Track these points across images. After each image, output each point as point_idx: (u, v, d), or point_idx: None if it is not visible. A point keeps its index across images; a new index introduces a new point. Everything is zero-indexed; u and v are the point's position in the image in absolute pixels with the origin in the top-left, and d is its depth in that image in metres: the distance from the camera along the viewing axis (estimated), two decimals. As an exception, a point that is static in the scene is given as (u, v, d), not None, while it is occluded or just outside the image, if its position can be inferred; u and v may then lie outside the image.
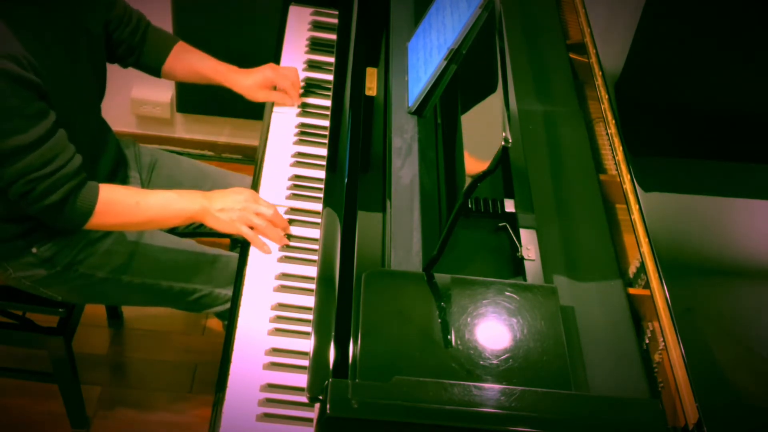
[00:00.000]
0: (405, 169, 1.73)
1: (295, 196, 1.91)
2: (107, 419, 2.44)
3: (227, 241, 2.36)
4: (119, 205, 1.81)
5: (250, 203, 1.83)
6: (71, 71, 1.79)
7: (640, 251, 1.55)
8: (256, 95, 2.08)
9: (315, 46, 2.24)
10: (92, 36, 1.86)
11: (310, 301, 1.65)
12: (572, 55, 2.03)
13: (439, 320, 1.44)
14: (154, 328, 2.67)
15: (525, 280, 1.54)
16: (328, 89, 2.11)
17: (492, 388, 1.34)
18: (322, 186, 1.83)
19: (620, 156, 1.68)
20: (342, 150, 1.83)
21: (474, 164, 1.47)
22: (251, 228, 1.81)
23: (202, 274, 2.02)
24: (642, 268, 1.56)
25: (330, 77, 2.10)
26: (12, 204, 1.84)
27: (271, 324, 1.69)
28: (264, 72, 2.08)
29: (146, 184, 2.15)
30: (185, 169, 2.19)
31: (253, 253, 1.80)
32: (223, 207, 1.83)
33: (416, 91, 1.84)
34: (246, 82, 2.08)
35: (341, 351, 1.42)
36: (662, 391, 1.48)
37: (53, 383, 2.28)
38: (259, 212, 1.81)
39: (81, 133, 1.81)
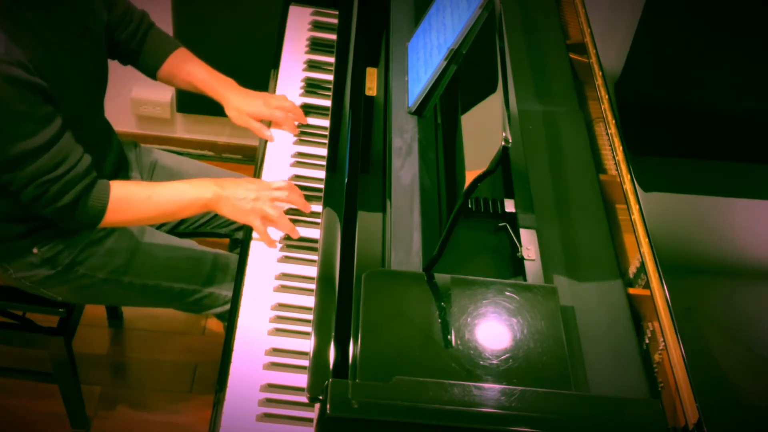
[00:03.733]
0: (405, 169, 1.73)
1: (295, 196, 1.91)
2: (107, 419, 2.44)
3: (227, 241, 2.36)
4: (131, 200, 1.81)
5: (263, 191, 1.82)
6: (75, 71, 1.79)
7: (640, 251, 1.55)
8: (240, 120, 2.04)
9: (315, 46, 2.24)
10: (94, 34, 1.86)
11: (310, 301, 1.65)
12: (572, 55, 2.03)
13: (439, 320, 1.44)
14: (154, 329, 2.67)
15: (525, 280, 1.54)
16: (328, 89, 2.11)
17: (492, 388, 1.34)
18: (322, 186, 1.83)
19: (620, 156, 1.68)
20: (342, 150, 1.83)
21: (474, 164, 1.47)
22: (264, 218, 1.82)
23: (203, 274, 2.02)
24: (642, 268, 1.56)
25: (330, 77, 2.10)
26: (14, 204, 1.84)
27: (271, 324, 1.69)
28: (254, 103, 2.02)
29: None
30: (186, 169, 2.19)
31: (253, 253, 1.80)
32: (237, 195, 1.82)
33: (416, 91, 1.84)
34: (235, 104, 2.03)
35: (341, 351, 1.42)
36: (662, 391, 1.48)
37: (53, 383, 2.28)
38: (274, 197, 1.82)
39: (86, 134, 1.82)
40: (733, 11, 2.09)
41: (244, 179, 1.88)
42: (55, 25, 1.72)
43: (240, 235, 2.04)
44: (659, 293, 1.47)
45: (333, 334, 1.46)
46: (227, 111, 2.06)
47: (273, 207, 1.81)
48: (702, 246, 1.62)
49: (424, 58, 1.86)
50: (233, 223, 2.20)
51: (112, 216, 1.80)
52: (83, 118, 1.82)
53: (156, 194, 1.83)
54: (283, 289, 1.74)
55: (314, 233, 1.83)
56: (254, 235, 1.83)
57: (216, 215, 2.18)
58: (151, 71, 2.08)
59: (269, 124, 2.05)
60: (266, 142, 2.02)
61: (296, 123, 2.04)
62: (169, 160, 2.21)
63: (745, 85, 1.96)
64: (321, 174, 1.91)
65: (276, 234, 1.83)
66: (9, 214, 1.87)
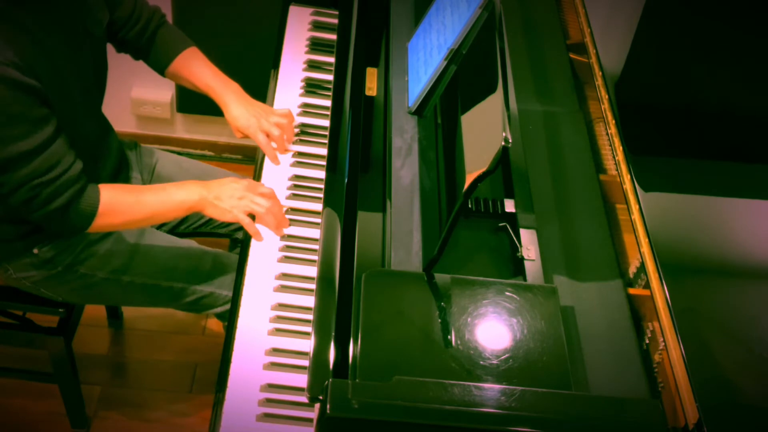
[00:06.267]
0: (405, 169, 1.73)
1: (295, 196, 1.91)
2: (107, 419, 2.44)
3: (227, 241, 2.36)
4: (120, 205, 1.81)
5: (249, 191, 1.83)
6: (73, 74, 1.79)
7: (640, 251, 1.55)
8: (235, 132, 2.03)
9: (315, 46, 2.24)
10: (93, 38, 1.86)
11: (310, 301, 1.65)
12: (572, 55, 2.03)
13: (439, 320, 1.44)
14: (154, 329, 2.67)
15: (525, 280, 1.54)
16: (328, 89, 2.11)
17: (492, 388, 1.34)
18: (322, 186, 1.83)
19: (620, 156, 1.68)
20: (342, 150, 1.83)
21: (474, 164, 1.47)
22: (251, 215, 1.82)
23: (202, 274, 2.02)
24: (642, 268, 1.56)
25: (330, 77, 2.10)
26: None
27: (271, 324, 1.69)
28: (257, 114, 1.99)
29: (147, 184, 2.14)
30: (186, 169, 2.19)
31: (253, 253, 1.80)
32: (222, 196, 1.83)
33: (416, 91, 1.84)
34: (235, 112, 2.01)
35: (341, 351, 1.42)
36: (662, 391, 1.48)
37: (53, 383, 2.28)
38: (257, 202, 1.83)
39: (83, 134, 1.81)
40: (733, 11, 2.09)
41: (229, 179, 1.88)
42: (53, 28, 1.72)
43: (240, 235, 2.04)
44: (659, 293, 1.47)
45: (333, 334, 1.46)
46: (225, 115, 2.05)
47: (258, 205, 1.82)
48: (702, 246, 1.62)
49: (424, 58, 1.86)
50: (233, 223, 2.20)
51: (102, 220, 1.79)
52: (80, 122, 1.82)
53: (143, 198, 1.83)
54: (283, 289, 1.74)
55: (314, 233, 1.83)
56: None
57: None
58: (160, 70, 2.09)
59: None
60: (266, 142, 2.02)
61: (294, 132, 2.03)
62: (170, 160, 2.21)
63: (746, 85, 1.96)
64: (321, 174, 1.91)
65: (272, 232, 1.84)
66: (8, 216, 1.87)
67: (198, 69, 2.06)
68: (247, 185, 1.85)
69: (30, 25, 1.67)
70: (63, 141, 1.72)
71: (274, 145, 1.98)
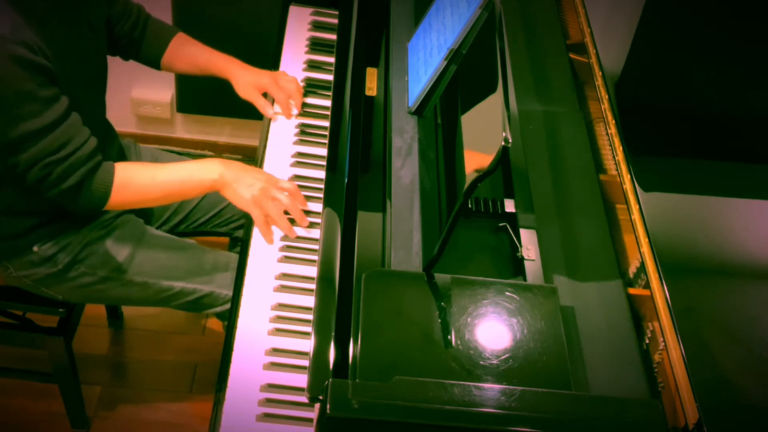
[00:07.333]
0: (405, 169, 1.73)
1: (295, 196, 1.91)
2: (107, 419, 2.44)
3: (227, 240, 2.36)
4: (136, 183, 1.81)
5: (269, 185, 1.83)
6: (77, 63, 1.80)
7: (640, 251, 1.55)
8: (248, 94, 2.07)
9: (315, 46, 2.24)
10: (95, 30, 1.86)
11: (310, 301, 1.65)
12: (572, 55, 2.03)
13: (439, 320, 1.44)
14: (154, 328, 2.67)
15: (525, 280, 1.54)
16: (328, 89, 2.11)
17: (492, 388, 1.34)
18: (322, 186, 1.83)
19: (620, 156, 1.68)
20: (342, 150, 1.83)
21: (474, 164, 1.47)
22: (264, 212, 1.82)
23: (202, 274, 2.02)
24: (642, 268, 1.56)
25: (330, 77, 2.10)
26: (14, 199, 1.84)
27: (271, 324, 1.69)
28: (262, 77, 2.06)
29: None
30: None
31: (253, 253, 1.80)
32: (242, 180, 1.83)
33: (416, 91, 1.84)
34: (243, 78, 2.07)
35: (341, 351, 1.42)
36: (662, 391, 1.48)
37: (53, 383, 2.28)
38: (277, 198, 1.82)
39: (88, 126, 1.82)
40: (733, 11, 2.09)
41: (252, 167, 1.88)
42: (63, 18, 1.73)
43: (240, 234, 2.05)
44: (659, 293, 1.47)
45: (333, 334, 1.46)
46: (235, 86, 2.08)
47: (275, 205, 1.81)
48: (702, 246, 1.62)
49: (424, 58, 1.86)
50: (233, 222, 2.21)
51: (117, 198, 1.80)
52: (84, 110, 1.82)
53: (161, 175, 1.83)
54: (283, 289, 1.74)
55: (314, 233, 1.83)
56: (254, 233, 1.83)
57: (216, 214, 2.19)
58: (155, 60, 2.10)
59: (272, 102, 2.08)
60: (266, 142, 2.02)
61: (296, 112, 2.07)
62: (170, 160, 2.21)
63: (746, 85, 1.96)
64: (321, 174, 1.91)
65: (276, 233, 1.83)
66: (8, 211, 1.87)
67: (195, 49, 2.10)
68: (267, 179, 1.85)
69: (43, 13, 1.68)
70: (75, 120, 1.74)
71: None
